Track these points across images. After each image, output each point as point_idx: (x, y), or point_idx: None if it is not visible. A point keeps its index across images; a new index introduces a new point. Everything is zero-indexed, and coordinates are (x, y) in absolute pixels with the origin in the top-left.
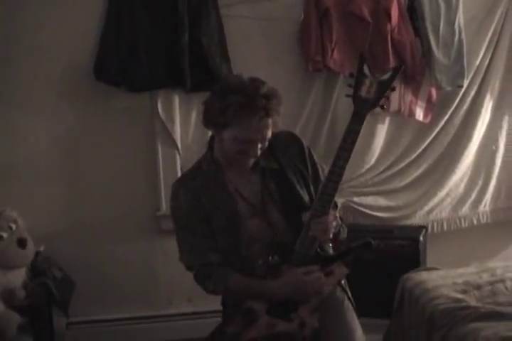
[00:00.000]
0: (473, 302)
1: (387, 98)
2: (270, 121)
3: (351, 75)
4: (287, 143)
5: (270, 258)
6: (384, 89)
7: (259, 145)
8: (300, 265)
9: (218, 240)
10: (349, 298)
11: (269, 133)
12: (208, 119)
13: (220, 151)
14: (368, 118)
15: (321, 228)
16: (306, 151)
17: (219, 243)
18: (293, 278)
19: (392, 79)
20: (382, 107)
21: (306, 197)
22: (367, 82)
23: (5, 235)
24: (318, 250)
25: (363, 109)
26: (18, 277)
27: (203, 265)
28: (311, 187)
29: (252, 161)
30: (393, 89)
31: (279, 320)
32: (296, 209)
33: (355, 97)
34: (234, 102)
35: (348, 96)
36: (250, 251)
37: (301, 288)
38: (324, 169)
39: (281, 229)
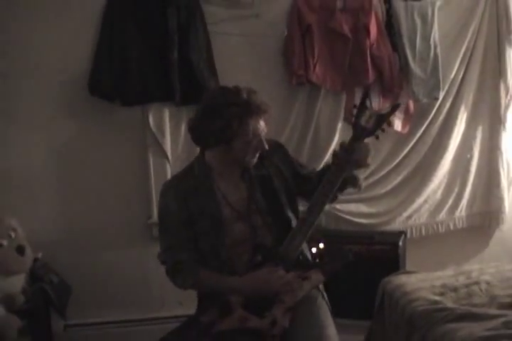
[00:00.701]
0: (450, 304)
1: (383, 130)
2: (266, 115)
3: (354, 106)
4: (274, 150)
5: (255, 257)
6: (381, 122)
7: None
8: (281, 266)
9: (200, 242)
10: (324, 298)
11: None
12: (212, 140)
13: (215, 159)
14: (349, 129)
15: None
16: (289, 154)
17: (200, 244)
18: (256, 276)
19: (389, 114)
20: (377, 137)
21: (287, 204)
22: (367, 113)
23: (5, 243)
24: (300, 256)
25: (361, 135)
26: (17, 283)
27: (175, 262)
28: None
29: (255, 160)
30: (390, 124)
31: (252, 315)
32: (279, 215)
33: (356, 125)
34: (234, 114)
35: (351, 124)
36: (231, 253)
37: (263, 285)
38: (302, 165)
39: (264, 233)
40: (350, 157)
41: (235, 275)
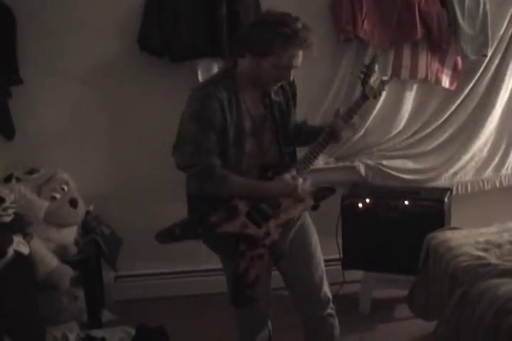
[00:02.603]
0: (493, 260)
1: (380, 94)
2: (307, 52)
3: (364, 66)
4: (290, 85)
5: (266, 173)
6: (383, 87)
7: (292, 71)
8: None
9: (227, 152)
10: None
11: None
12: (250, 48)
13: (244, 73)
14: (397, 85)
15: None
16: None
17: (228, 154)
18: (285, 179)
19: (388, 82)
20: (374, 97)
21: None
22: (375, 75)
23: (58, 196)
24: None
25: (368, 94)
26: (70, 234)
27: (205, 167)
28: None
29: (275, 87)
30: (383, 89)
31: (252, 223)
32: (287, 137)
33: (365, 82)
34: (281, 34)
35: (359, 78)
36: (245, 165)
37: (292, 188)
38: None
39: (270, 150)
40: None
41: None
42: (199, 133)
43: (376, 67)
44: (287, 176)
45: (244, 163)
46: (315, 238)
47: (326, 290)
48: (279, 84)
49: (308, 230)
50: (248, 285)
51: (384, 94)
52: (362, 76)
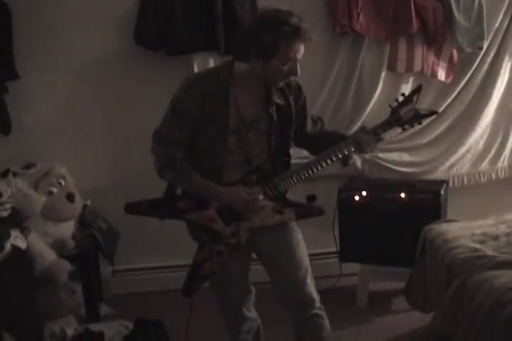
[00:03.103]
0: (490, 252)
1: (412, 126)
2: (309, 42)
3: (402, 94)
4: (294, 89)
5: (250, 176)
6: (416, 120)
7: (298, 64)
8: (266, 193)
9: (199, 141)
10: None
11: None
12: (254, 52)
13: (242, 71)
14: (393, 78)
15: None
16: (306, 101)
17: (199, 143)
18: (236, 191)
19: (426, 117)
20: (403, 129)
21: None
22: (409, 106)
23: (55, 190)
24: (287, 193)
25: (393, 123)
26: (67, 229)
27: (167, 157)
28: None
29: (282, 83)
30: (420, 123)
31: (220, 219)
32: (284, 143)
33: (395, 112)
34: (284, 33)
35: (390, 107)
36: (231, 161)
37: (236, 201)
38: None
39: (256, 152)
40: (371, 137)
41: (220, 181)
42: (168, 122)
43: (415, 98)
44: (241, 189)
45: (229, 158)
46: (297, 237)
47: (311, 290)
48: (287, 79)
49: (288, 229)
50: (201, 277)
51: (380, 87)
52: (395, 104)
